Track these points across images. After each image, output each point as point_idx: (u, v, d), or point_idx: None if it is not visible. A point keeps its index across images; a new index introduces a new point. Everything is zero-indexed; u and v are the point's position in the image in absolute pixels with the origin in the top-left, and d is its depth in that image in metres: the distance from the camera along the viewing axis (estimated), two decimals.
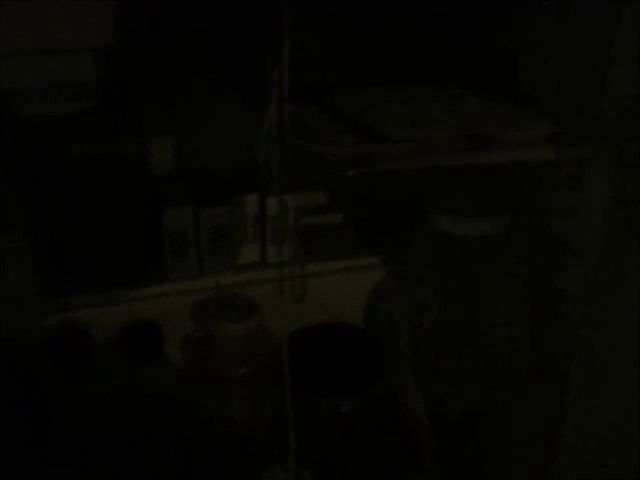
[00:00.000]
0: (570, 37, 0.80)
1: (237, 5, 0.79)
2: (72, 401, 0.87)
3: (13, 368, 0.82)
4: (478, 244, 0.84)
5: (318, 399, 0.88)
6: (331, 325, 0.97)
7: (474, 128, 0.72)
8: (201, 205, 0.88)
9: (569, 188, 0.82)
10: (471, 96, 0.88)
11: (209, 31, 0.82)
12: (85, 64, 0.62)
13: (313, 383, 0.88)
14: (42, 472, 0.80)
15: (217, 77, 0.84)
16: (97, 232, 0.85)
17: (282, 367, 0.76)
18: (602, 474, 0.80)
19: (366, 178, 0.63)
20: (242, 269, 0.92)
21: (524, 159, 0.68)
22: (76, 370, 0.87)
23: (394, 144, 0.67)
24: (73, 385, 0.87)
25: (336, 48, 0.85)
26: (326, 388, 0.88)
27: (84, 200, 0.84)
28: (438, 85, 0.88)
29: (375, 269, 0.97)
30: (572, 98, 0.80)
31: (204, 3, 0.82)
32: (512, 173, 0.88)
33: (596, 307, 0.79)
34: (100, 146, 0.82)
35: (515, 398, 0.87)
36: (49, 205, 0.82)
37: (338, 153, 0.61)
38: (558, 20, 0.82)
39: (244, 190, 0.89)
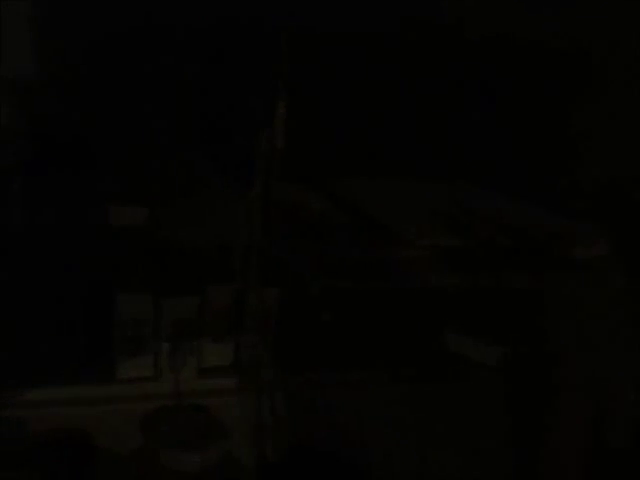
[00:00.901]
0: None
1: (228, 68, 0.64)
2: None
3: None
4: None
5: None
6: (312, 452, 0.78)
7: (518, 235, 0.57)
8: (165, 293, 0.71)
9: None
10: (498, 195, 0.73)
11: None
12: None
13: None
14: None
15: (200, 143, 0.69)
16: (29, 313, 0.69)
17: None
18: None
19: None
20: (208, 374, 0.75)
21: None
22: None
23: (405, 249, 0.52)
24: None
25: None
26: None
27: (16, 273, 0.67)
28: (450, 181, 0.74)
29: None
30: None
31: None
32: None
33: None
34: (46, 210, 0.66)
35: None
36: None
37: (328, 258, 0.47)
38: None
39: (219, 279, 0.73)
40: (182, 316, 0.72)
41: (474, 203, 0.71)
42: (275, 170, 0.50)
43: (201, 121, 0.66)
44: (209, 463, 0.67)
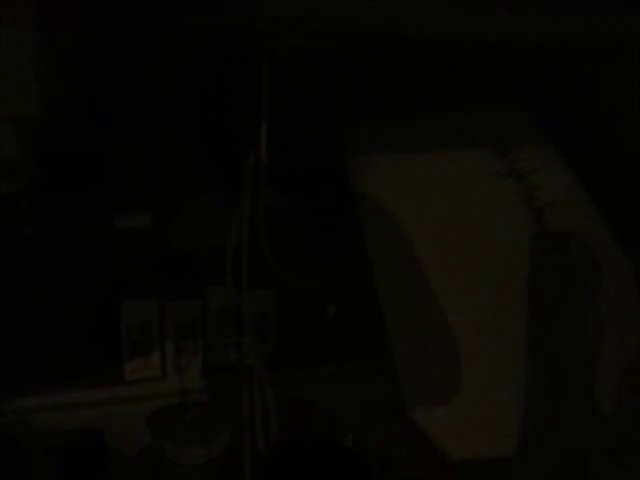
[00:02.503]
0: None
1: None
2: None
3: None
4: None
5: None
6: (312, 438, 0.82)
7: None
8: (168, 297, 0.75)
9: None
10: None
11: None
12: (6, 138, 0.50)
13: None
14: None
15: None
16: (42, 321, 0.73)
17: None
18: None
19: None
20: (212, 371, 0.79)
21: None
22: None
23: None
24: None
25: None
26: None
27: (29, 284, 0.71)
28: None
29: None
30: None
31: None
32: None
33: None
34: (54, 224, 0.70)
35: None
36: None
37: None
38: None
39: (219, 281, 0.76)
40: (185, 318, 0.76)
41: None
42: (262, 182, 0.53)
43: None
44: (213, 456, 0.71)
